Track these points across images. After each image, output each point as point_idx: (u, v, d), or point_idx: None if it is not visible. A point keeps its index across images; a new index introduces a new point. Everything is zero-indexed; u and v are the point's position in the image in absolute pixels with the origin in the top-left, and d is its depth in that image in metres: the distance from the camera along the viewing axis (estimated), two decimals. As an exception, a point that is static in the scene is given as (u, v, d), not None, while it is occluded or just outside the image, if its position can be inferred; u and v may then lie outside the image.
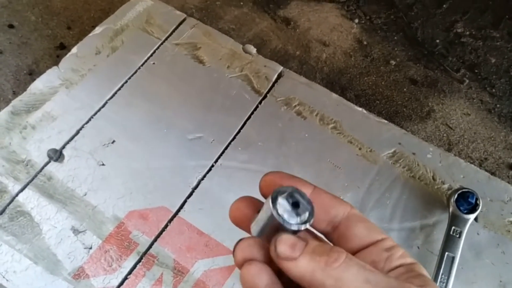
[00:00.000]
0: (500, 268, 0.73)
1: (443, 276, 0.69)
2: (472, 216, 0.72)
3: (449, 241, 0.71)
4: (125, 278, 0.69)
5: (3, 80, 1.01)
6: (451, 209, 0.74)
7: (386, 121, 0.86)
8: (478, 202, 0.73)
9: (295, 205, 0.29)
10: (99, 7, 1.17)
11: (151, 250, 0.71)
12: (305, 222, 0.29)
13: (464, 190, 0.74)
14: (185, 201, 0.75)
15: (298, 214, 0.29)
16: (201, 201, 0.76)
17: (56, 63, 0.88)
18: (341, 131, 0.84)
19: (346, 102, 0.88)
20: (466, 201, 0.73)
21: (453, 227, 0.72)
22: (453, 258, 0.70)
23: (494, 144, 1.06)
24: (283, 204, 0.29)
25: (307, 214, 0.29)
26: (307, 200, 0.30)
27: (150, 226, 0.73)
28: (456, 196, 0.73)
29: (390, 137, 0.84)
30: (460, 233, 0.71)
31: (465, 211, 0.73)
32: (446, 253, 0.70)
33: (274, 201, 0.29)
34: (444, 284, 0.68)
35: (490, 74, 1.17)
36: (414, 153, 0.82)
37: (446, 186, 0.80)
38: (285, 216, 0.29)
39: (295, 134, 0.83)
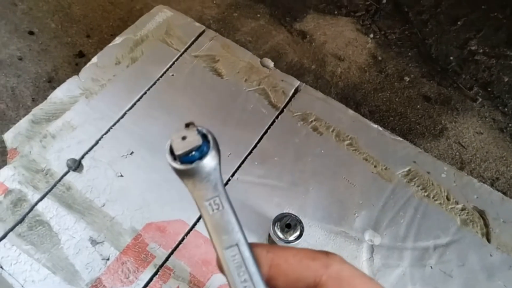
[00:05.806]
0: (512, 291, 0.73)
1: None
2: None
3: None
4: (142, 290, 0.69)
5: (22, 87, 1.02)
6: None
7: (401, 139, 0.87)
8: None
9: None
10: (118, 16, 1.18)
11: (167, 263, 0.71)
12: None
13: None
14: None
15: None
16: (217, 215, 0.76)
17: (75, 71, 0.89)
18: (356, 148, 0.85)
19: (362, 118, 0.89)
20: None
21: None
22: None
23: (506, 164, 1.06)
24: None
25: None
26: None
27: (167, 239, 0.73)
28: None
29: (405, 155, 0.85)
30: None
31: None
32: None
33: None
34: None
35: (502, 93, 1.17)
36: (428, 172, 0.83)
37: (460, 206, 0.80)
38: None
39: (311, 150, 0.84)
